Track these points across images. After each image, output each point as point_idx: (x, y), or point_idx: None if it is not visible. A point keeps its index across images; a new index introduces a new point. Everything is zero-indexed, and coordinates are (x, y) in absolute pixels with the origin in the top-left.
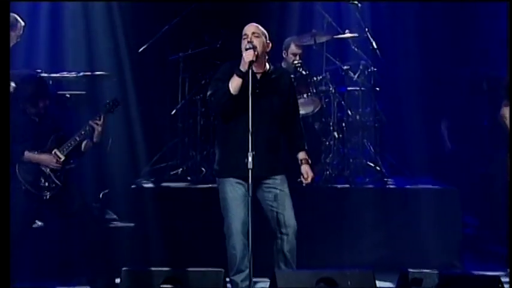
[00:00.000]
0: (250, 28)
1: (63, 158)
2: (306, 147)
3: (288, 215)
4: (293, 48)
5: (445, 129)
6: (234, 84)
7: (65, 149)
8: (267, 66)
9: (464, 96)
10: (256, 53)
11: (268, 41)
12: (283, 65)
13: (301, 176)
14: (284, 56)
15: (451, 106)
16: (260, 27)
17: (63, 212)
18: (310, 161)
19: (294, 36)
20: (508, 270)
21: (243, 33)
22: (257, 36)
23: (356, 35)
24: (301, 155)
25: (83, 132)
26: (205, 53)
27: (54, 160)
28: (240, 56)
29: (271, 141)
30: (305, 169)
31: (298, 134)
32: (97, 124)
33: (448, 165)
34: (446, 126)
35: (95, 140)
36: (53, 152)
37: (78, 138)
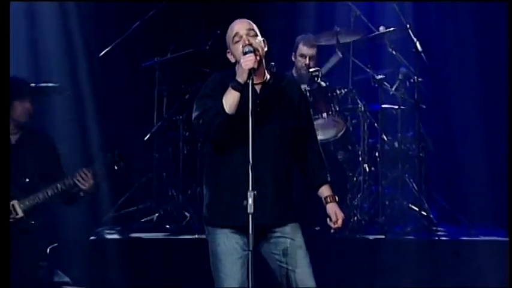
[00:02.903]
0: (243, 25)
1: (20, 215)
2: (329, 179)
3: (303, 273)
4: (301, 47)
5: None
6: (231, 100)
7: (27, 204)
8: (266, 74)
9: None
10: (258, 57)
11: (264, 40)
12: (294, 73)
13: (328, 219)
14: (293, 59)
15: None
16: (251, 22)
17: None
18: (337, 198)
19: (307, 34)
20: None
21: (233, 32)
22: (254, 36)
23: (393, 28)
24: (325, 191)
25: (58, 187)
26: (190, 58)
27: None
28: (230, 63)
29: (278, 175)
30: (333, 209)
31: (318, 163)
32: (82, 179)
33: None
34: None
35: (82, 194)
36: (11, 204)
37: (49, 194)
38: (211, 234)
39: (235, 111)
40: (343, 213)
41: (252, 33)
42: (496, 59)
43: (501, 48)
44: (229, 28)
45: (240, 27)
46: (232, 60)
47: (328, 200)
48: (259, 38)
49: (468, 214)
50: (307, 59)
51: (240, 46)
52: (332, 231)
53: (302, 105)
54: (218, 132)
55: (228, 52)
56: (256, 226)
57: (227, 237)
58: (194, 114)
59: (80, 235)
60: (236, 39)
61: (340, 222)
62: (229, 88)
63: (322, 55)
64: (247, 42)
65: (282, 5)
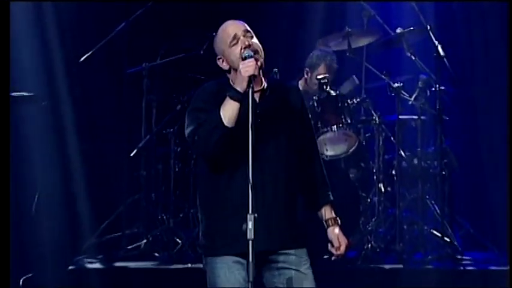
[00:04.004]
0: (238, 26)
1: None
2: (332, 199)
3: None
4: (321, 71)
5: None
6: (230, 112)
7: None
8: (264, 81)
9: None
10: (259, 63)
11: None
12: (300, 84)
13: (329, 245)
14: (306, 76)
15: None
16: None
17: None
18: (339, 221)
19: (324, 50)
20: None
21: (229, 35)
22: (251, 37)
23: (412, 28)
24: (327, 212)
25: None
26: (182, 64)
27: None
28: (220, 71)
29: (283, 195)
30: (335, 233)
31: (320, 180)
32: None
33: None
34: None
35: None
36: None
37: None
38: (210, 264)
39: (234, 124)
40: (347, 238)
41: (249, 35)
42: None
43: None
44: (221, 31)
45: (236, 28)
46: (226, 67)
47: (330, 223)
48: (256, 40)
49: (497, 240)
50: (327, 81)
51: (237, 50)
52: (333, 258)
53: (305, 115)
54: (217, 148)
55: (220, 58)
56: (258, 253)
57: (228, 267)
58: (188, 130)
59: (57, 264)
60: (233, 42)
61: (343, 248)
62: (227, 98)
63: None
64: (246, 44)
65: (285, 4)
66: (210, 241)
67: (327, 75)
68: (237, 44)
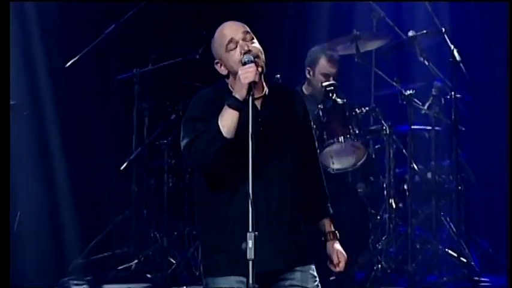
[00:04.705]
0: (236, 28)
1: None
2: (332, 212)
3: None
4: (324, 64)
5: None
6: (229, 121)
7: None
8: (265, 86)
9: None
10: (260, 68)
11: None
12: (305, 89)
13: (328, 261)
14: (309, 76)
15: None
16: (245, 25)
17: None
18: (338, 235)
19: (323, 44)
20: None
21: (226, 38)
22: (251, 40)
23: (425, 31)
24: (327, 226)
25: None
26: (177, 69)
27: None
28: (219, 76)
29: (288, 212)
30: (334, 248)
31: (321, 192)
32: None
33: None
34: None
35: None
36: None
37: None
38: (212, 285)
39: (234, 135)
40: (347, 253)
41: (248, 37)
42: None
43: None
44: (218, 33)
45: (234, 31)
46: (224, 72)
47: (329, 237)
48: (257, 43)
49: None
50: (331, 78)
51: (235, 54)
52: (332, 278)
53: (307, 123)
54: (215, 161)
55: (218, 63)
56: (263, 274)
57: None
58: (183, 142)
59: (41, 286)
60: (231, 46)
61: (342, 265)
62: (226, 107)
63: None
64: (246, 49)
65: (288, 4)
66: (211, 261)
67: (332, 81)
68: (235, 48)
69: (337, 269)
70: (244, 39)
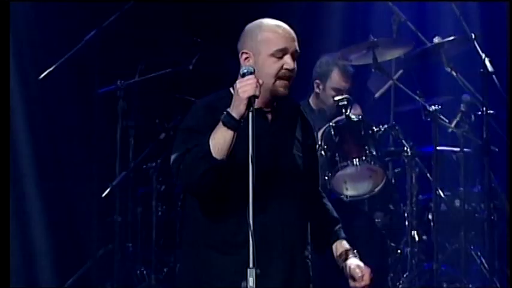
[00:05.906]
0: (292, 38)
1: None
2: (344, 236)
3: None
4: (336, 78)
5: None
6: (221, 141)
7: None
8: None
9: None
10: (261, 80)
11: None
12: (312, 103)
13: (350, 280)
14: (318, 90)
15: None
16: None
17: None
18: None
19: (334, 53)
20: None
21: (279, 42)
22: (298, 58)
23: (452, 38)
24: (344, 245)
25: None
26: (167, 82)
27: None
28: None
29: (292, 242)
30: (355, 263)
31: (331, 217)
32: None
33: None
34: None
35: None
36: None
37: None
38: None
39: (230, 155)
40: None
41: (296, 55)
42: None
43: None
44: (270, 30)
45: (290, 41)
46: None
47: (348, 255)
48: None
49: None
50: (343, 93)
51: (276, 66)
52: None
53: (313, 142)
54: (203, 182)
55: (246, 57)
56: None
57: None
58: (173, 156)
59: None
60: (279, 54)
61: (367, 277)
62: (220, 124)
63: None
64: (290, 67)
65: (293, 6)
66: None
67: (345, 96)
68: (280, 59)
69: (363, 283)
70: (292, 55)
